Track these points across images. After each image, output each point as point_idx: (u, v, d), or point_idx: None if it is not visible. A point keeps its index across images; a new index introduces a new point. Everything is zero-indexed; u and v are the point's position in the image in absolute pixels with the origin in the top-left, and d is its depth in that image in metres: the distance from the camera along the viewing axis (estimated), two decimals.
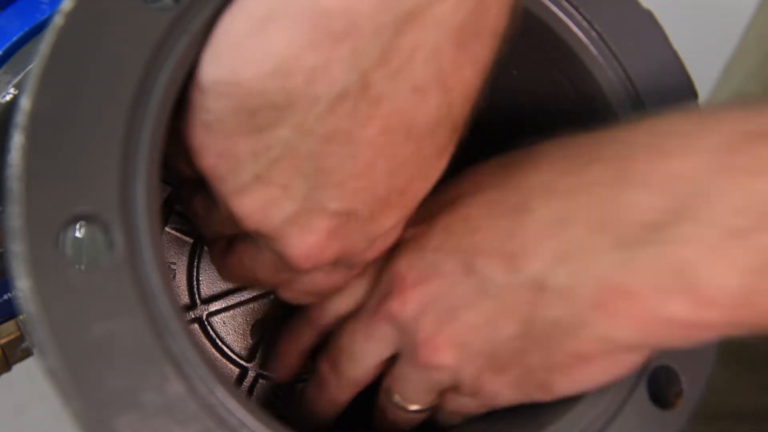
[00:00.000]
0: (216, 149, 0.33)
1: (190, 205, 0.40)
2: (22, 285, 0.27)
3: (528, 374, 0.35)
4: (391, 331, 0.38)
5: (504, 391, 0.36)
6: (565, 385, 0.35)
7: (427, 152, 0.33)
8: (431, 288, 0.36)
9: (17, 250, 0.28)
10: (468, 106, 0.33)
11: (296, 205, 0.33)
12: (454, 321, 0.35)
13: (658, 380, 0.37)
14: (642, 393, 0.36)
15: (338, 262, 0.37)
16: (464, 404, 0.39)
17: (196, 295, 0.47)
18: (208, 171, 0.33)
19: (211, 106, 0.32)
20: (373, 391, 0.45)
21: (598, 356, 0.33)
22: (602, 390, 0.36)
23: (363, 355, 0.40)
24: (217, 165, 0.33)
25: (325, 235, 0.34)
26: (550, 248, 0.33)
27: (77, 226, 0.29)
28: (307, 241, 0.34)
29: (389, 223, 0.35)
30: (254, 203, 0.33)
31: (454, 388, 0.38)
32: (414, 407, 0.40)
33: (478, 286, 0.35)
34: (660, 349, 0.36)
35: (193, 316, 0.47)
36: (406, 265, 0.37)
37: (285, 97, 0.30)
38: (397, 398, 0.40)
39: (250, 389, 0.49)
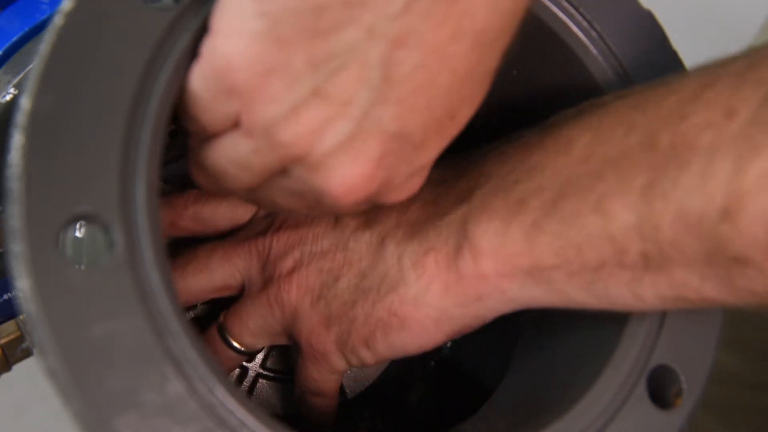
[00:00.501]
0: (264, 65, 0.30)
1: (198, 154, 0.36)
2: (22, 285, 0.27)
3: (352, 329, 0.40)
4: (248, 262, 0.43)
5: (331, 349, 0.41)
6: (382, 344, 0.39)
7: (484, 68, 0.33)
8: (301, 232, 0.42)
9: (17, 250, 0.28)
10: (517, 26, 0.33)
11: (353, 125, 0.31)
12: (309, 266, 0.41)
13: (658, 380, 0.37)
14: (642, 393, 0.37)
15: (372, 197, 0.35)
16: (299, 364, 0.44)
17: None
18: (252, 94, 0.31)
19: (267, 8, 0.29)
20: (375, 392, 0.45)
21: (411, 318, 0.38)
22: (602, 389, 0.36)
23: (211, 271, 0.43)
24: (265, 84, 0.30)
25: (374, 164, 0.32)
26: (394, 218, 0.40)
27: (77, 225, 0.29)
28: (355, 172, 0.32)
29: (432, 154, 0.35)
30: (309, 123, 0.31)
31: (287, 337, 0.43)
32: (240, 346, 0.44)
33: (338, 237, 0.41)
34: (476, 317, 0.38)
35: (192, 315, 0.48)
36: (289, 213, 0.41)
37: None
38: (227, 335, 0.44)
39: (250, 389, 0.49)
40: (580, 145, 0.35)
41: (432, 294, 0.37)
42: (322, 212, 0.37)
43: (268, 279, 0.42)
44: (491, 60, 0.33)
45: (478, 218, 0.36)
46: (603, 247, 0.33)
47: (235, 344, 0.44)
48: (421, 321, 0.38)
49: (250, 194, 0.37)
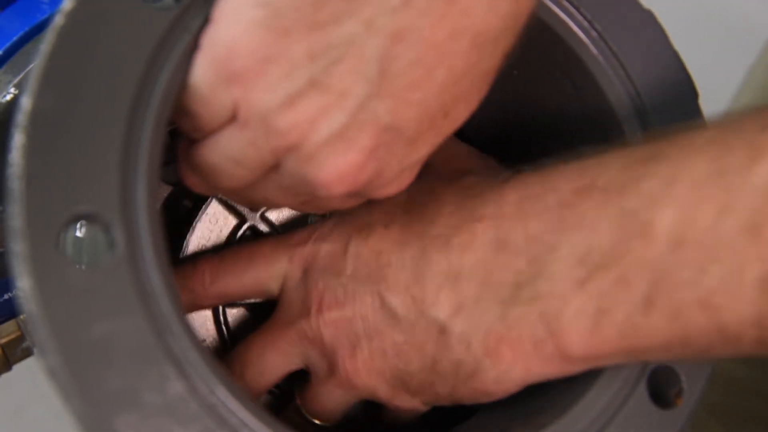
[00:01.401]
0: (264, 53, 0.30)
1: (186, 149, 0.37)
2: (23, 284, 0.27)
3: (438, 399, 0.39)
4: (303, 348, 0.40)
5: (418, 405, 0.40)
6: (469, 402, 0.39)
7: (482, 68, 0.33)
8: (347, 313, 0.39)
9: (18, 249, 0.28)
10: (519, 29, 0.33)
11: (348, 116, 0.31)
12: (369, 347, 0.39)
13: (658, 380, 0.37)
14: (642, 393, 0.36)
15: (358, 193, 0.35)
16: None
17: None
18: (251, 81, 0.31)
19: None
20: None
21: (494, 390, 0.37)
22: (602, 389, 0.36)
23: (271, 367, 0.41)
24: (264, 71, 0.30)
25: (366, 155, 0.32)
26: (448, 299, 0.37)
27: (78, 225, 0.29)
28: (347, 161, 0.32)
29: (424, 150, 0.34)
30: (304, 113, 0.31)
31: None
32: (322, 423, 0.43)
33: (391, 319, 0.38)
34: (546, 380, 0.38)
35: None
36: (323, 287, 0.39)
37: None
38: (308, 416, 0.43)
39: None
40: (663, 227, 0.32)
41: (514, 374, 0.36)
42: (315, 207, 0.38)
43: (332, 365, 0.40)
44: (490, 61, 0.33)
45: (559, 315, 0.34)
46: (712, 336, 0.32)
47: (318, 422, 0.43)
48: (506, 391, 0.38)
49: (242, 193, 0.37)
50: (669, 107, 0.41)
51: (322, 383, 0.41)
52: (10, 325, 0.43)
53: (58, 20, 0.29)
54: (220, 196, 0.45)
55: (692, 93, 0.42)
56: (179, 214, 0.47)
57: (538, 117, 0.44)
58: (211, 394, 0.30)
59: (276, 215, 0.46)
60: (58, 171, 0.28)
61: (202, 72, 0.32)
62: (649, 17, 0.41)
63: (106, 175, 0.29)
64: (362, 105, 0.31)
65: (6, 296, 0.43)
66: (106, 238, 0.29)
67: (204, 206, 0.45)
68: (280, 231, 0.46)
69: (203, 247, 0.46)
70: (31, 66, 0.37)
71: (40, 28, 0.41)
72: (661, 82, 0.41)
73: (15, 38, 0.41)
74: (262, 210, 0.45)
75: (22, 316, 0.43)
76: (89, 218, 0.29)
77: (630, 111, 0.40)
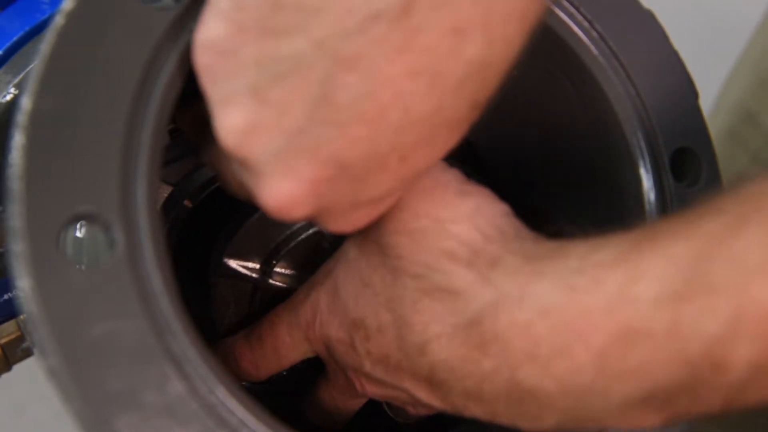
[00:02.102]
0: (220, 47, 0.30)
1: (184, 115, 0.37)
2: (23, 284, 0.27)
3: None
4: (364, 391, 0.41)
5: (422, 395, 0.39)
6: None
7: (444, 116, 0.30)
8: (389, 392, 0.39)
9: (18, 249, 0.28)
10: (499, 75, 0.31)
11: (286, 139, 0.30)
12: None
13: None
14: None
15: (310, 219, 0.34)
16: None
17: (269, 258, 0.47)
18: (202, 68, 0.30)
19: None
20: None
21: None
22: None
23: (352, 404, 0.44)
24: (214, 64, 0.30)
25: (306, 188, 0.31)
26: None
27: (78, 225, 0.29)
28: (285, 189, 0.31)
29: (378, 192, 0.33)
30: (240, 119, 0.30)
31: None
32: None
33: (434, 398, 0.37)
34: None
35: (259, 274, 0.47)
36: (353, 375, 0.40)
37: None
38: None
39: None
40: None
41: None
42: None
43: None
44: (454, 110, 0.30)
45: None
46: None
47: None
48: None
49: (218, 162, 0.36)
50: (669, 107, 0.41)
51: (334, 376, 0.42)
52: (10, 326, 0.43)
53: (58, 20, 0.29)
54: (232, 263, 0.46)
55: (692, 93, 0.42)
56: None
57: (538, 117, 0.44)
58: (211, 394, 0.30)
59: (283, 267, 0.47)
60: (58, 171, 0.28)
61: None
62: (649, 18, 0.41)
63: (106, 176, 0.29)
64: (302, 129, 0.29)
65: (6, 296, 0.43)
66: (106, 238, 0.29)
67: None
68: (298, 277, 0.46)
69: (231, 324, 0.47)
70: (31, 66, 0.37)
71: (40, 28, 0.41)
72: (661, 82, 0.41)
73: (15, 38, 0.41)
74: (273, 269, 0.46)
75: (22, 316, 0.43)
76: (89, 218, 0.29)
77: (630, 111, 0.40)
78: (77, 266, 0.28)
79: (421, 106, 0.30)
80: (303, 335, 0.41)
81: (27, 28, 0.41)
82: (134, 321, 0.29)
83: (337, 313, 0.39)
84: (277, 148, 0.30)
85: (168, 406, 0.29)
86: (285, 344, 0.42)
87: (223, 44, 0.30)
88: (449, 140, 0.32)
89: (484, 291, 0.33)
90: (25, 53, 0.41)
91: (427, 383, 0.35)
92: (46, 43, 0.29)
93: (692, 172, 0.42)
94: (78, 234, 0.29)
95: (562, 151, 0.44)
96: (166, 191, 0.46)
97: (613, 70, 0.40)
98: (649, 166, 0.40)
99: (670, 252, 0.29)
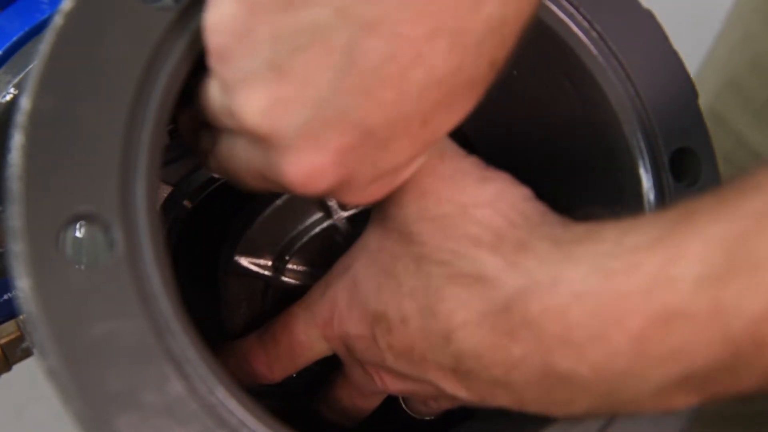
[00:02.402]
0: (232, 29, 0.29)
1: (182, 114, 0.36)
2: (23, 285, 0.27)
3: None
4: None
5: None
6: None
7: (465, 76, 0.31)
8: (415, 387, 0.38)
9: (17, 249, 0.28)
10: (515, 33, 0.31)
11: (311, 111, 0.30)
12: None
13: None
14: None
15: (331, 193, 0.34)
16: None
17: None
18: (216, 51, 0.30)
19: None
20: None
21: None
22: None
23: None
24: (228, 45, 0.30)
25: (333, 157, 0.31)
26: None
27: (77, 225, 0.29)
28: (311, 162, 0.31)
29: (400, 158, 0.33)
30: (262, 96, 0.30)
31: None
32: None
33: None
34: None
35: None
36: (373, 371, 0.39)
37: None
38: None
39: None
40: None
41: None
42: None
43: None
44: (475, 68, 0.31)
45: None
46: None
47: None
48: None
49: (213, 160, 0.36)
50: (668, 107, 0.41)
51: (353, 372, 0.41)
52: (9, 326, 0.43)
53: (58, 21, 0.29)
54: (243, 261, 0.45)
55: (692, 92, 0.42)
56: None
57: (538, 117, 0.44)
58: (211, 394, 0.30)
59: (295, 264, 0.46)
60: (58, 171, 0.28)
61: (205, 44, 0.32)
62: (648, 17, 0.41)
63: (106, 176, 0.29)
64: (328, 100, 0.29)
65: (6, 296, 0.43)
66: (105, 238, 0.29)
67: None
68: (311, 273, 0.46)
69: (242, 323, 0.46)
70: (31, 66, 0.37)
71: (40, 28, 0.41)
72: (660, 82, 0.41)
73: (15, 38, 0.41)
74: (285, 265, 0.45)
75: (21, 317, 0.43)
76: (89, 218, 0.29)
77: (630, 111, 0.40)
78: (77, 266, 0.28)
79: (444, 65, 0.30)
80: (320, 334, 0.40)
81: (27, 28, 0.41)
82: (134, 321, 0.29)
83: (356, 309, 0.38)
84: (303, 121, 0.30)
85: (168, 407, 0.29)
86: (301, 344, 0.41)
87: (236, 23, 0.29)
88: (468, 102, 0.32)
89: (512, 277, 0.33)
90: (25, 53, 0.41)
91: (453, 373, 0.35)
92: (45, 43, 0.29)
93: (692, 171, 0.42)
94: (77, 234, 0.29)
95: (561, 151, 0.44)
96: (165, 191, 0.46)
97: (613, 70, 0.40)
98: (648, 165, 0.40)
99: (711, 232, 0.29)
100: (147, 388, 0.28)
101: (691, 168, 0.42)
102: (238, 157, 0.34)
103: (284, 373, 0.43)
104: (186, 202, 0.47)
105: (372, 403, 0.44)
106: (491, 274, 0.33)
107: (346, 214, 0.45)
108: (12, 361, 0.44)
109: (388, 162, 0.33)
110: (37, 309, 0.27)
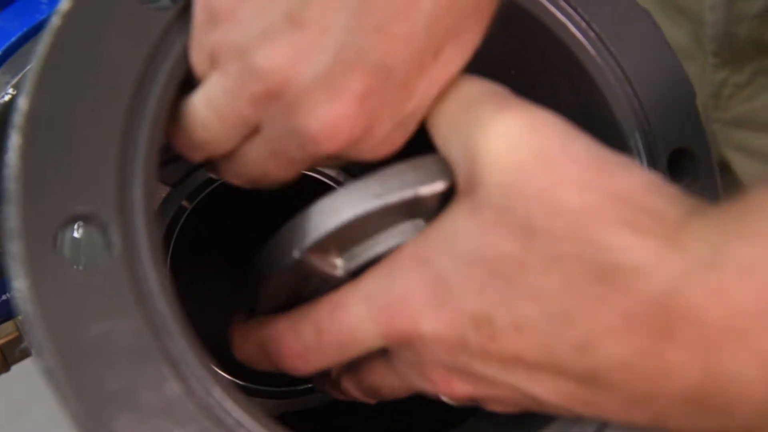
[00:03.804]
0: None
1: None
2: (20, 285, 0.28)
3: None
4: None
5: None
6: None
7: (471, 6, 0.31)
8: (488, 391, 0.34)
9: (15, 250, 0.28)
10: None
11: (331, 55, 0.30)
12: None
13: None
14: None
15: (352, 146, 0.33)
16: None
17: None
18: (228, 18, 0.30)
19: None
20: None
21: None
22: None
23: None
24: (239, 9, 0.30)
25: (356, 105, 0.30)
26: None
27: (75, 226, 0.29)
28: (337, 110, 0.30)
29: (418, 101, 0.32)
30: (282, 52, 0.30)
31: None
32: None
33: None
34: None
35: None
36: (439, 375, 0.34)
37: None
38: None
39: None
40: None
41: None
42: (301, 167, 0.34)
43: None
44: None
45: None
46: None
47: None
48: None
49: (233, 161, 0.35)
50: (666, 107, 0.41)
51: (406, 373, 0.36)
52: (7, 326, 0.43)
53: (55, 21, 0.29)
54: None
55: (690, 93, 0.42)
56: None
57: None
58: (208, 394, 0.30)
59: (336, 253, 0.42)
60: (55, 172, 0.28)
61: (195, 19, 0.31)
62: (646, 17, 0.41)
63: (104, 176, 0.29)
64: (345, 42, 0.30)
65: (3, 297, 0.43)
66: (103, 238, 0.29)
67: None
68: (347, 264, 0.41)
69: (275, 305, 0.41)
70: (29, 66, 0.37)
71: (39, 28, 0.41)
72: (658, 82, 0.41)
73: (14, 38, 0.41)
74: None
75: (19, 317, 0.43)
76: (86, 219, 0.29)
77: (628, 111, 0.40)
78: (74, 267, 0.28)
79: None
80: (380, 331, 0.34)
81: (26, 29, 0.41)
82: (131, 321, 0.29)
83: (443, 309, 0.32)
84: (324, 67, 0.30)
85: (165, 407, 0.29)
86: (352, 339, 0.35)
87: None
88: (474, 32, 0.32)
89: (669, 261, 0.28)
90: (24, 53, 0.41)
91: (577, 387, 0.30)
92: (42, 43, 0.29)
93: (690, 172, 0.42)
94: (75, 235, 0.29)
95: None
96: (164, 192, 0.46)
97: (611, 71, 0.40)
98: (646, 166, 0.40)
99: None
100: (144, 389, 0.28)
101: (689, 168, 0.42)
102: (258, 147, 0.33)
103: (321, 366, 0.36)
104: (184, 203, 0.47)
105: (412, 391, 0.39)
106: (644, 262, 0.29)
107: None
108: (10, 361, 0.44)
109: (407, 104, 0.32)
110: (35, 309, 0.27)
